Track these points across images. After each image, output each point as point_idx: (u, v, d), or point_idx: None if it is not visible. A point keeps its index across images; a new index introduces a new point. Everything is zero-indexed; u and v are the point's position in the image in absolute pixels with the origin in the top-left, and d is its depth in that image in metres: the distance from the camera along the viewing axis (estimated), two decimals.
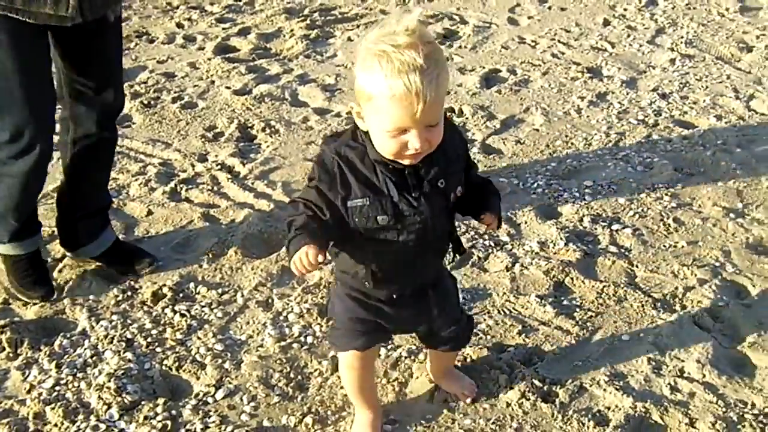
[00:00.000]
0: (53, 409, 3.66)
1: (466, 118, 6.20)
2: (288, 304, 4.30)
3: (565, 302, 4.32)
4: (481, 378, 3.80)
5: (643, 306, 4.28)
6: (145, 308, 4.28)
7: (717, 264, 4.62)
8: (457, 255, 3.24)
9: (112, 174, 4.89)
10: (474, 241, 4.73)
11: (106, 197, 4.59)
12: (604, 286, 4.41)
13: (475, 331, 3.99)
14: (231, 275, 4.53)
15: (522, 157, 5.75)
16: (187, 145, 5.87)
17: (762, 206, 5.18)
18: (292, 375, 3.85)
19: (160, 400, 3.71)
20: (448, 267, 3.33)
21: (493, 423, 3.59)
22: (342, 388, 3.72)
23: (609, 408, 3.67)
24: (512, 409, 3.65)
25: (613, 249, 4.74)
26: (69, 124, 4.26)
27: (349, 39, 7.71)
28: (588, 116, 6.31)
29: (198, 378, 3.86)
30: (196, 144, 5.88)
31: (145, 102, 6.44)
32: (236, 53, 7.40)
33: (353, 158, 2.87)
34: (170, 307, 4.29)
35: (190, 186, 5.34)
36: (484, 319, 4.16)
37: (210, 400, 3.73)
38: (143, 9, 8.37)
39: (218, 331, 4.14)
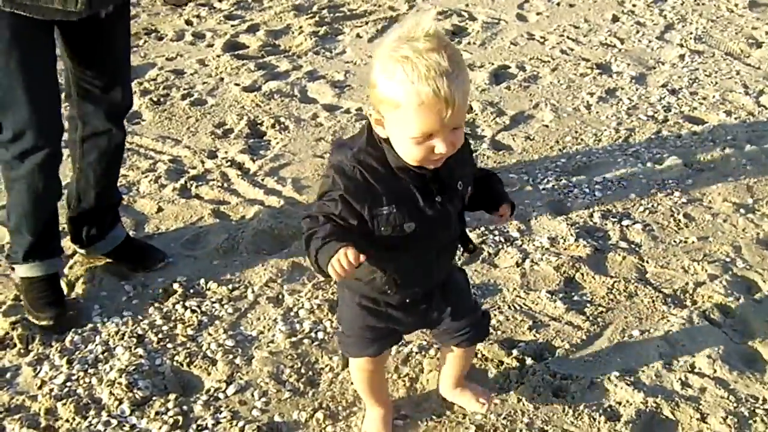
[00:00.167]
0: (65, 404, 3.67)
1: (476, 115, 6.19)
2: (299, 300, 4.30)
3: (575, 298, 4.32)
4: (491, 373, 3.81)
5: (653, 301, 4.28)
6: (156, 304, 4.29)
7: (727, 259, 4.62)
8: (466, 252, 3.23)
9: (122, 171, 4.90)
10: (484, 237, 4.73)
11: (116, 194, 4.58)
12: (614, 282, 4.41)
13: None
14: (241, 271, 4.53)
15: (532, 153, 5.74)
16: (197, 141, 5.87)
17: None
18: (303, 370, 3.86)
19: (172, 396, 3.72)
20: (458, 263, 3.32)
21: (504, 418, 3.59)
22: (353, 383, 3.73)
23: (620, 403, 3.68)
24: (523, 404, 3.66)
25: (623, 245, 4.74)
26: (77, 122, 4.26)
27: (358, 36, 7.69)
28: (597, 112, 6.30)
29: (209, 374, 3.87)
30: (206, 141, 5.88)
31: (155, 99, 6.44)
32: (245, 50, 7.39)
33: (375, 165, 2.80)
34: (181, 303, 4.29)
35: (200, 183, 5.35)
36: (495, 315, 4.15)
37: (221, 395, 3.74)
38: (152, 6, 8.35)
39: (229, 327, 4.14)
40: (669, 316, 4.18)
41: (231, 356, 3.95)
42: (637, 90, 6.65)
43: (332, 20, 8.04)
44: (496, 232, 4.77)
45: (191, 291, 4.38)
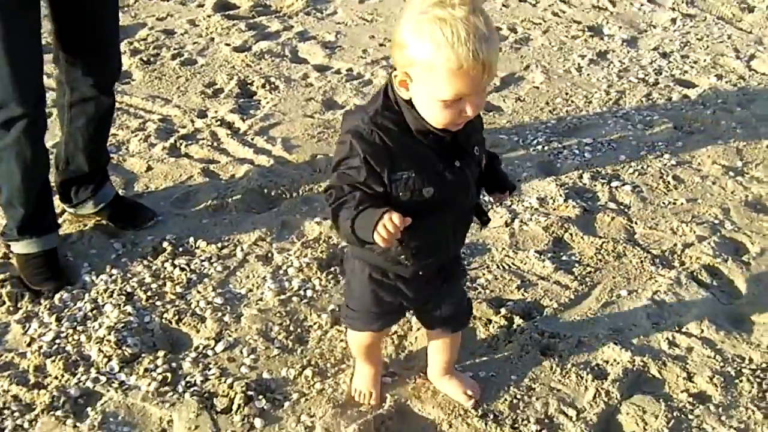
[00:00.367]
0: (53, 361, 3.67)
1: None
2: (288, 258, 4.31)
3: (564, 258, 4.33)
4: (479, 331, 3.83)
5: (642, 262, 4.29)
6: (145, 262, 4.29)
7: (716, 221, 4.63)
8: (480, 223, 3.16)
9: (112, 130, 4.88)
10: None
11: (105, 156, 4.57)
12: (603, 242, 4.42)
13: (474, 285, 4.02)
14: (231, 230, 4.53)
15: (522, 114, 5.74)
16: (187, 101, 5.85)
17: (761, 165, 5.18)
18: (291, 328, 3.87)
19: (160, 353, 3.72)
20: None
21: (493, 375, 3.61)
22: (342, 341, 3.74)
23: (607, 362, 3.69)
24: (511, 362, 3.68)
25: (612, 206, 4.75)
26: (65, 87, 4.24)
27: None
28: (588, 74, 6.30)
29: (198, 331, 3.88)
30: (196, 100, 5.86)
31: (145, 59, 6.41)
32: (236, 10, 7.35)
33: (392, 128, 2.72)
34: (170, 261, 4.29)
35: (189, 142, 5.33)
36: (483, 274, 4.17)
37: (210, 352, 3.75)
38: None
39: (218, 284, 4.15)
40: (657, 276, 4.20)
41: (220, 314, 3.96)
42: (628, 53, 6.65)
43: None
44: (484, 193, 4.76)
45: (180, 249, 4.38)
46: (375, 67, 6.38)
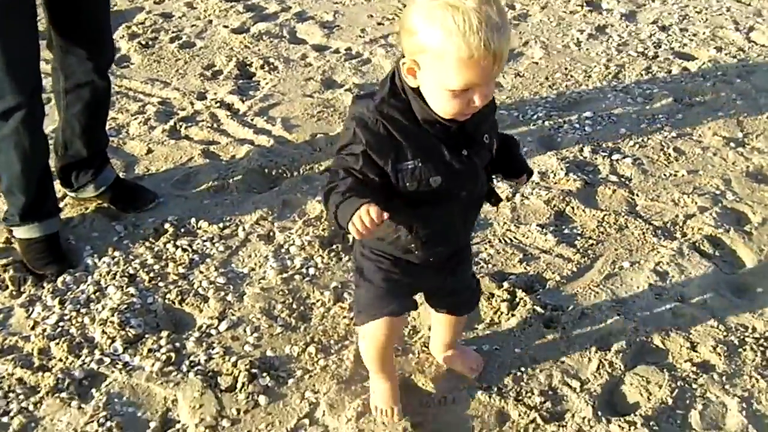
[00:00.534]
0: (58, 344, 3.68)
1: None
2: (289, 236, 4.31)
3: (566, 231, 4.33)
4: (482, 305, 3.82)
5: (644, 234, 4.29)
6: (147, 244, 4.29)
7: (717, 192, 4.63)
8: (490, 205, 3.12)
9: (112, 114, 4.89)
10: None
11: (103, 140, 4.57)
12: (604, 215, 4.42)
13: (476, 260, 4.02)
14: (232, 210, 4.53)
15: (522, 89, 5.74)
16: (186, 83, 5.85)
17: (762, 135, 5.18)
18: (294, 306, 3.87)
19: (164, 333, 3.73)
20: None
21: (496, 349, 3.62)
22: (345, 318, 3.75)
23: (611, 333, 3.69)
24: (515, 335, 3.68)
25: (613, 178, 4.74)
26: (59, 74, 4.25)
27: None
28: (588, 49, 6.29)
29: (201, 311, 3.88)
30: (195, 82, 5.86)
31: (143, 42, 6.41)
32: None
33: (398, 117, 2.65)
34: (172, 242, 4.29)
35: (189, 124, 5.33)
36: (485, 249, 4.17)
37: (213, 332, 3.75)
38: None
39: (220, 264, 4.15)
40: (659, 247, 4.20)
41: (222, 293, 3.96)
42: (627, 27, 6.64)
43: None
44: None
45: (182, 230, 4.38)
46: (374, 45, 6.37)
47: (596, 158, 4.92)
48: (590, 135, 5.17)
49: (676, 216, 4.43)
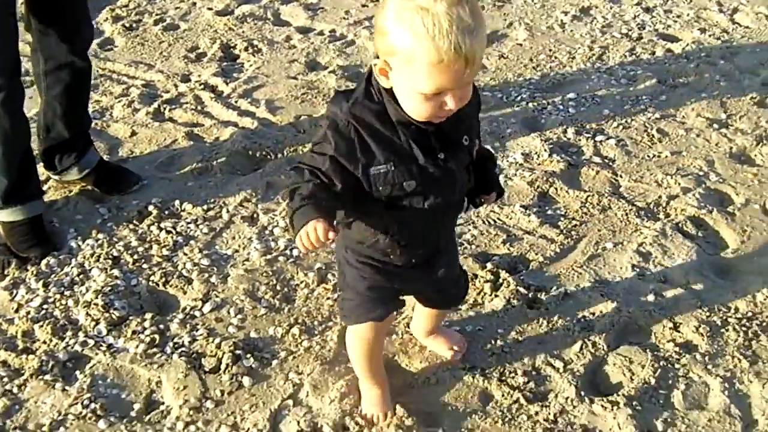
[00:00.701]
0: (41, 326, 3.68)
1: None
2: (273, 218, 4.31)
3: (549, 212, 4.34)
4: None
5: (627, 214, 4.30)
6: (131, 226, 4.29)
7: (700, 173, 4.64)
8: (471, 206, 3.03)
9: (95, 96, 4.88)
10: None
11: (85, 121, 4.56)
12: (588, 196, 4.43)
13: (460, 240, 4.02)
14: (216, 192, 4.53)
15: (506, 71, 5.74)
16: (170, 66, 5.84)
17: (745, 117, 5.18)
18: (278, 287, 3.88)
19: (148, 315, 3.73)
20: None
21: (479, 329, 3.63)
22: (328, 299, 3.75)
23: (594, 314, 3.71)
24: (498, 316, 3.69)
25: (596, 159, 4.75)
26: (39, 56, 4.24)
27: None
28: (572, 30, 6.29)
29: (185, 293, 3.88)
30: (179, 65, 5.85)
31: (127, 25, 6.40)
32: None
33: (371, 120, 2.58)
34: (156, 224, 4.29)
35: (173, 106, 5.32)
36: (469, 230, 4.18)
37: (197, 313, 3.76)
38: None
39: (204, 246, 4.15)
40: (642, 228, 4.21)
41: (206, 275, 3.96)
42: (611, 8, 6.63)
43: None
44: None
45: (166, 212, 4.38)
46: (358, 27, 6.36)
47: (580, 139, 4.92)
48: (574, 116, 5.17)
49: (659, 197, 4.44)
